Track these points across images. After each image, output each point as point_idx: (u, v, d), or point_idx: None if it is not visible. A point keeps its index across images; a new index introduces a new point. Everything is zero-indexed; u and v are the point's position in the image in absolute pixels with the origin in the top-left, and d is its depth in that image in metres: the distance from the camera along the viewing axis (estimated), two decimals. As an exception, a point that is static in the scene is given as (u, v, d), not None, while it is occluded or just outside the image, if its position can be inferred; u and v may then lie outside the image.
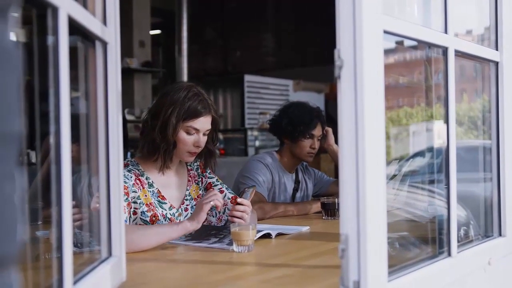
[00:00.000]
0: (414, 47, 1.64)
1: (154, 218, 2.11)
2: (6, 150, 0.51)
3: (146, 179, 2.17)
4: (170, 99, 2.12)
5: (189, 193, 2.30)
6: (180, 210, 2.23)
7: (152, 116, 2.15)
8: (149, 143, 2.15)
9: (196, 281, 1.52)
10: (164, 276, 1.59)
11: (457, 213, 1.50)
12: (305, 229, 2.29)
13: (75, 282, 1.04)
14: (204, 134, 2.17)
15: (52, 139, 0.95)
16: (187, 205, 2.27)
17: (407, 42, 1.47)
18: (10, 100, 0.51)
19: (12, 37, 0.54)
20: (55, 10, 0.96)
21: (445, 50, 1.47)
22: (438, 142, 1.81)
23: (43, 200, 1.55)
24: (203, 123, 2.14)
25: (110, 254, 1.33)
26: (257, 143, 7.28)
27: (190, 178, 2.32)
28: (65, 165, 0.97)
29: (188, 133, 2.13)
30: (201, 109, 2.12)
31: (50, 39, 0.97)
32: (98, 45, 1.29)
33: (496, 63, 1.75)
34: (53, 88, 0.95)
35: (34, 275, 1.11)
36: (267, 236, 2.05)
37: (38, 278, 1.13)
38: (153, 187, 2.17)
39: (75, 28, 1.06)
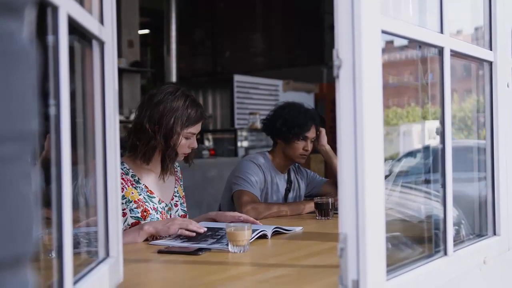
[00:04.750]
0: (404, 47, 1.64)
1: (145, 213, 2.15)
2: (23, 149, 0.50)
3: (132, 176, 2.19)
4: (170, 107, 2.16)
5: (177, 190, 2.35)
6: (170, 205, 2.28)
7: (151, 123, 2.15)
8: (151, 150, 2.17)
9: (193, 281, 1.52)
10: (161, 276, 1.58)
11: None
12: (298, 229, 2.29)
13: (74, 283, 1.03)
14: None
15: (53, 139, 0.94)
16: (176, 201, 2.31)
17: (397, 42, 1.47)
18: (27, 99, 0.50)
19: (28, 35, 0.53)
20: (55, 9, 0.95)
21: (441, 50, 1.48)
22: (430, 142, 1.81)
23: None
24: (199, 127, 2.25)
25: (107, 254, 1.32)
26: (247, 143, 7.26)
27: (177, 178, 2.39)
28: (65, 165, 0.97)
29: (187, 138, 2.21)
30: (200, 116, 2.22)
31: (49, 38, 0.96)
32: (95, 44, 1.28)
33: (490, 63, 1.76)
34: (53, 88, 0.95)
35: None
36: (262, 236, 2.04)
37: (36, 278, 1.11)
38: (140, 183, 2.21)
39: (72, 27, 1.05)
